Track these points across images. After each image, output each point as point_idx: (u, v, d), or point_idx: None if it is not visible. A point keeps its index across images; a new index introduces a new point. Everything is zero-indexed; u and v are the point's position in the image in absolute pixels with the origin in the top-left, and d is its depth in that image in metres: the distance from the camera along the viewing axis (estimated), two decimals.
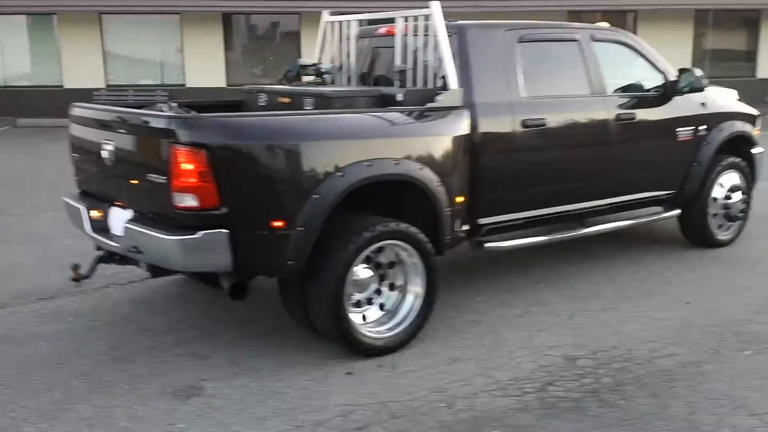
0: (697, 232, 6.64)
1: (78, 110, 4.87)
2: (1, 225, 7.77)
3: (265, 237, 4.05)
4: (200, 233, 3.91)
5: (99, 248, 4.81)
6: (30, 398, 3.94)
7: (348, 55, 5.85)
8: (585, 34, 5.70)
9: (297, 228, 4.06)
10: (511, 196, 5.26)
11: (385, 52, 5.65)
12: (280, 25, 21.36)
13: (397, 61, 5.34)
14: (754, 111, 6.92)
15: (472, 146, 4.94)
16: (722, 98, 6.73)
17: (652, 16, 21.61)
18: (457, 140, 4.83)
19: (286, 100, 5.19)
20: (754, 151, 6.87)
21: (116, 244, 4.42)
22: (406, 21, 5.28)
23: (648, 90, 6.13)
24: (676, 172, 6.26)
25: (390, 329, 4.52)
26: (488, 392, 3.97)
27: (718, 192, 6.54)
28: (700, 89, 6.09)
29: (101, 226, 4.68)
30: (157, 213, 4.18)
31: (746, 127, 6.71)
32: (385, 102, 4.94)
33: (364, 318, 4.51)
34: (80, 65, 20.44)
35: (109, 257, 4.64)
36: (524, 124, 5.19)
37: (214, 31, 20.66)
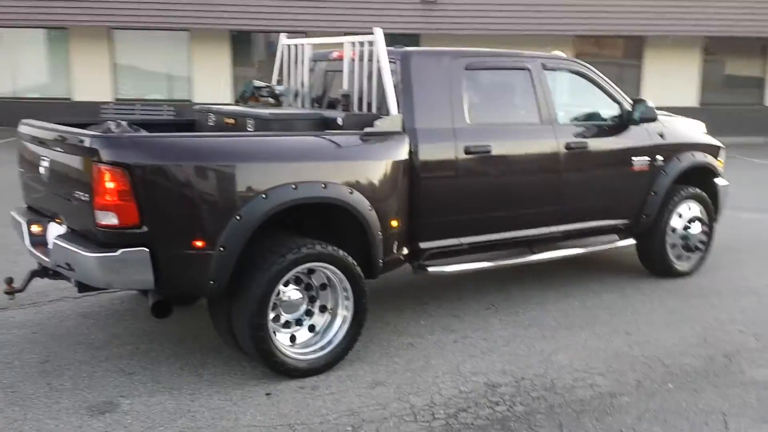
0: (654, 262, 6.62)
1: (23, 127, 4.97)
2: None
3: (186, 256, 4.11)
4: (120, 251, 3.98)
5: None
6: None
7: (303, 78, 5.92)
8: (536, 63, 5.73)
9: (218, 248, 4.12)
10: (454, 221, 5.29)
11: (337, 75, 5.72)
12: None
13: (345, 86, 5.40)
14: (717, 143, 6.90)
15: (411, 171, 4.99)
16: (684, 129, 6.74)
17: (659, 41, 21.58)
18: (395, 165, 4.87)
19: (230, 121, 5.27)
20: (717, 182, 6.84)
21: (47, 259, 4.49)
22: (353, 46, 5.34)
23: (604, 119, 6.15)
24: (631, 201, 6.26)
25: (315, 351, 4.55)
26: (399, 417, 3.99)
27: (676, 222, 6.53)
28: (653, 119, 6.10)
29: (40, 241, 4.75)
30: (84, 230, 4.26)
31: (707, 159, 6.69)
32: (326, 125, 5.00)
33: (293, 339, 4.55)
34: (90, 78, 20.72)
35: (44, 272, 4.71)
36: (467, 151, 5.22)
37: (222, 47, 20.89)
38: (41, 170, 4.61)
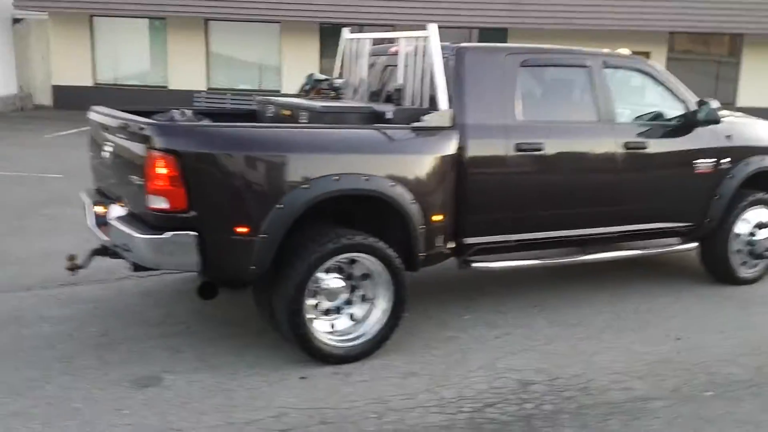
0: (717, 268, 6.44)
1: (93, 114, 5.26)
2: (60, 215, 8.33)
3: (230, 241, 4.28)
4: (169, 234, 4.19)
5: None
6: (8, 374, 4.32)
7: (362, 72, 6.03)
8: (597, 61, 5.65)
9: (260, 235, 4.28)
10: (501, 217, 5.30)
11: (394, 70, 5.79)
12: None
13: (399, 80, 5.48)
14: None
15: (458, 166, 5.02)
16: (756, 131, 6.51)
17: (758, 39, 20.72)
18: (442, 160, 4.92)
19: (287, 112, 5.43)
20: None
21: (107, 239, 4.76)
22: (409, 41, 5.41)
23: (668, 120, 6.01)
24: (693, 204, 6.10)
25: (352, 339, 4.66)
26: (425, 408, 4.06)
27: (742, 228, 6.33)
28: (716, 121, 5.92)
29: (102, 221, 5.03)
30: (140, 213, 4.49)
31: None
32: (377, 119, 5.09)
33: (332, 326, 4.68)
34: (185, 68, 21.47)
35: (104, 250, 4.98)
36: (518, 148, 5.22)
37: (311, 39, 21.27)
38: (106, 155, 4.89)
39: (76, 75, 21.59)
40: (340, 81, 5.97)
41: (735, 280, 6.43)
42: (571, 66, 5.66)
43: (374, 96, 5.99)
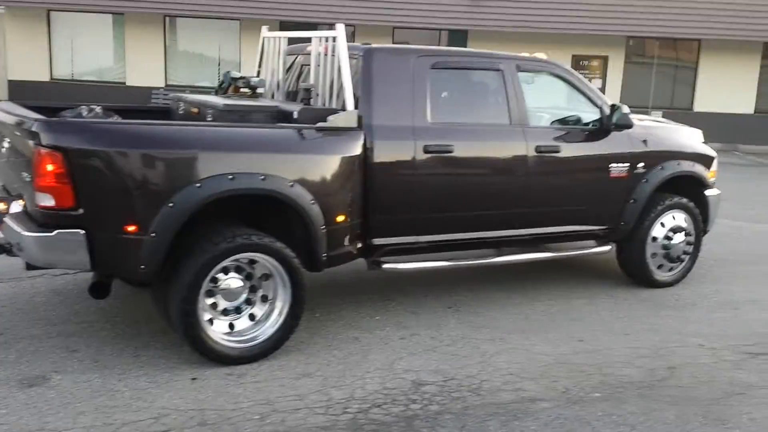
0: (634, 270, 6.51)
1: None
2: None
3: (119, 240, 4.24)
4: (55, 231, 4.14)
5: None
6: None
7: (278, 70, 6.01)
8: (510, 64, 5.68)
9: (149, 234, 4.24)
10: (410, 219, 5.31)
11: (308, 69, 5.78)
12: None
13: (311, 80, 5.47)
14: (710, 153, 6.73)
15: (364, 167, 5.02)
16: (673, 137, 6.59)
17: (717, 45, 20.98)
18: (346, 160, 4.92)
19: (194, 110, 5.39)
20: (706, 192, 6.67)
21: (2, 236, 4.69)
22: (320, 41, 5.40)
23: (583, 124, 6.06)
24: (608, 207, 6.15)
25: (249, 340, 4.64)
26: (311, 409, 4.05)
27: (658, 231, 6.39)
28: (628, 126, 5.99)
29: (2, 219, 4.96)
30: (32, 210, 4.43)
31: (696, 168, 6.52)
32: (284, 118, 5.07)
33: (231, 326, 4.65)
34: (143, 64, 21.28)
35: (3, 248, 4.90)
36: (427, 150, 5.23)
37: None
38: (5, 151, 4.82)
39: (33, 70, 21.32)
40: (256, 79, 5.93)
41: (652, 283, 6.49)
42: (484, 69, 5.68)
43: (291, 95, 5.98)
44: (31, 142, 4.19)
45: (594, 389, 4.46)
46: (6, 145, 4.78)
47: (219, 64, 21.76)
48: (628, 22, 20.13)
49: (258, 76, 6.23)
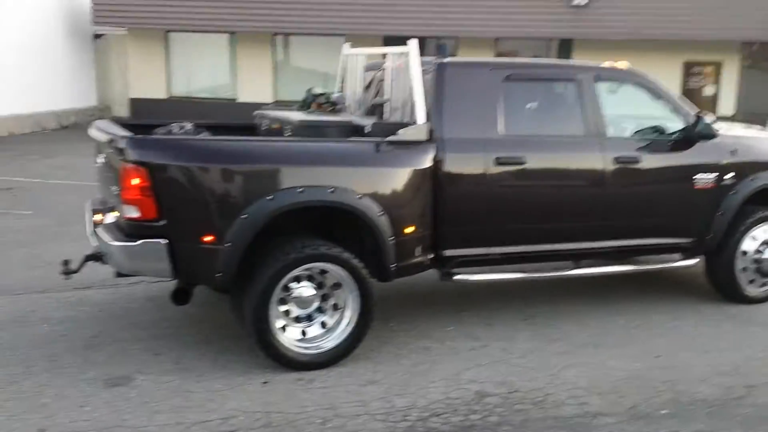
0: (724, 286, 6.29)
1: (91, 129, 5.58)
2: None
3: (198, 249, 4.51)
4: (140, 241, 4.45)
5: None
6: None
7: (357, 86, 6.19)
8: (587, 74, 5.64)
9: (225, 243, 4.48)
10: (482, 230, 5.35)
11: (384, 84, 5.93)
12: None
13: (386, 95, 5.61)
14: None
15: (434, 180, 5.11)
16: (764, 147, 6.32)
17: None
18: (416, 173, 5.02)
19: (276, 125, 5.64)
20: None
21: (96, 245, 5.06)
22: (395, 57, 5.54)
23: (667, 134, 5.93)
24: (694, 220, 5.98)
25: (318, 347, 4.80)
26: (371, 415, 4.17)
27: (749, 245, 6.16)
28: (711, 136, 5.81)
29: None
30: (119, 222, 4.76)
31: None
32: (357, 132, 5.24)
33: (304, 333, 4.83)
34: (254, 81, 22.09)
35: (96, 257, 5.27)
36: (499, 161, 5.27)
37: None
38: (101, 166, 5.20)
39: (152, 88, 22.50)
40: (336, 95, 6.13)
41: (743, 299, 6.26)
42: (559, 80, 5.66)
43: (370, 110, 6.13)
44: (119, 158, 4.51)
45: (663, 406, 4.37)
46: (101, 160, 5.15)
47: (325, 79, 22.28)
48: (742, 26, 19.30)
49: (340, 91, 6.43)
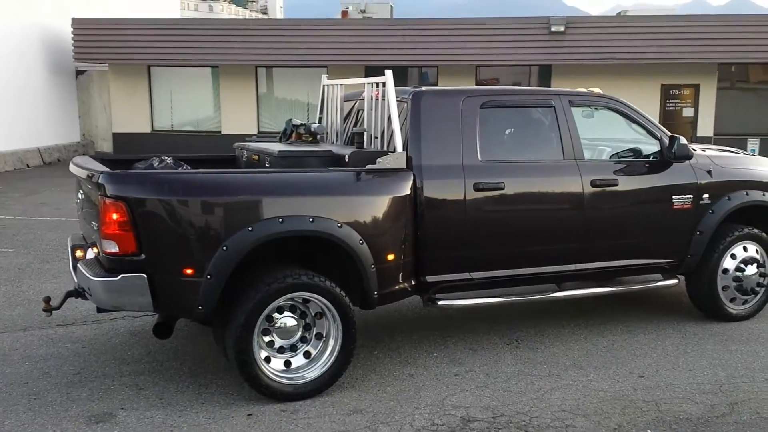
0: (705, 304, 6.34)
1: (71, 166, 5.59)
2: None
3: (178, 282, 4.50)
4: (120, 276, 4.44)
5: None
6: None
7: (336, 116, 6.24)
8: (562, 100, 5.72)
9: (205, 276, 4.48)
10: (463, 256, 5.37)
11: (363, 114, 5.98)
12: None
13: (365, 124, 5.66)
14: None
15: (414, 207, 5.15)
16: (741, 166, 6.41)
17: None
18: (396, 201, 5.06)
19: (255, 157, 5.67)
20: None
21: (77, 281, 5.04)
22: (372, 87, 5.60)
23: (643, 156, 6.01)
24: (673, 240, 6.05)
25: (302, 377, 4.79)
26: None
27: (729, 263, 6.22)
28: (687, 157, 5.89)
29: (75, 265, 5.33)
30: (100, 257, 4.76)
31: (766, 197, 6.32)
32: (336, 162, 5.27)
33: (287, 364, 4.82)
34: (236, 113, 22.18)
35: (79, 292, 5.26)
36: (477, 187, 5.31)
37: None
38: (80, 202, 5.20)
39: (135, 122, 22.55)
40: (315, 126, 6.18)
41: (726, 317, 6.31)
42: (535, 106, 5.73)
43: (350, 140, 6.18)
44: (98, 193, 4.52)
45: (647, 425, 4.38)
46: (81, 196, 5.16)
47: (308, 110, 22.41)
48: (718, 49, 19.62)
49: (319, 122, 6.48)
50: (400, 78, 20.99)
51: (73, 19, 21.07)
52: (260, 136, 21.35)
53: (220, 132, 22.32)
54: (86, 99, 23.10)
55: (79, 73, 22.88)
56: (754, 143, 20.08)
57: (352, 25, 22.34)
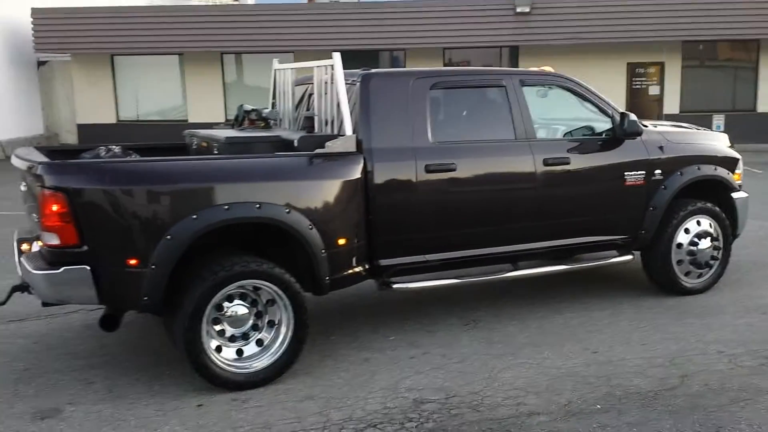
0: (661, 278, 6.38)
1: (13, 158, 5.47)
2: None
3: (122, 274, 4.43)
4: (62, 269, 4.35)
5: None
6: None
7: (288, 101, 6.18)
8: (513, 79, 5.68)
9: (150, 266, 4.41)
10: (417, 238, 5.35)
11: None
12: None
13: (315, 108, 5.60)
14: (733, 155, 6.56)
15: (365, 190, 5.11)
16: (693, 142, 6.44)
17: None
18: (346, 184, 5.01)
19: (204, 144, 5.59)
20: (734, 196, 6.50)
21: (21, 275, 4.95)
22: (321, 70, 5.53)
23: (596, 134, 6.01)
24: (626, 216, 6.07)
25: (254, 366, 4.74)
26: (306, 431, 4.12)
27: (683, 238, 6.26)
28: (637, 133, 5.90)
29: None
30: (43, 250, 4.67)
31: (718, 172, 6.36)
32: (286, 147, 5.21)
33: (240, 353, 4.77)
34: (203, 101, 21.95)
35: (24, 287, 5.16)
36: (428, 169, 5.28)
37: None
38: (23, 195, 5.10)
39: (100, 113, 22.26)
40: (267, 111, 6.10)
41: (681, 291, 6.36)
42: (486, 86, 5.70)
43: (301, 123, 6.11)
44: (37, 185, 4.42)
45: (597, 401, 4.39)
46: (23, 188, 5.06)
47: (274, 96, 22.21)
48: (682, 27, 19.72)
49: (272, 107, 6.40)
50: (372, 63, 20.85)
51: (33, 9, 20.72)
52: (227, 124, 21.28)
53: (187, 121, 22.09)
54: (49, 90, 22.75)
55: (40, 63, 22.52)
56: (719, 119, 20.23)
57: (319, 9, 22.13)
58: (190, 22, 21.14)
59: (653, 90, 20.78)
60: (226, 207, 4.56)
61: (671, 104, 20.78)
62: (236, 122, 6.33)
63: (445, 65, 20.62)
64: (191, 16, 21.63)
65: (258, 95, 22.13)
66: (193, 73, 22.22)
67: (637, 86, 21.04)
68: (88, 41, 21.27)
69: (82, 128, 22.33)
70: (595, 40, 19.77)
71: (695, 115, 19.05)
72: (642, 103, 20.54)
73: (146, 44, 21.21)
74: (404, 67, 21.15)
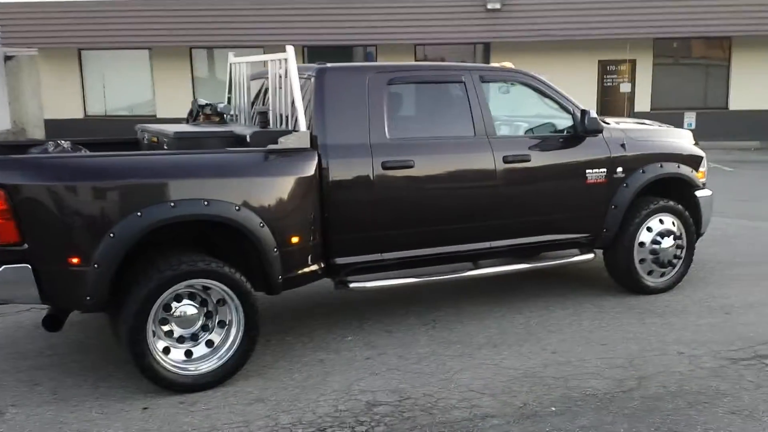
0: (623, 278, 6.32)
1: None
2: None
3: (64, 272, 4.27)
4: (2, 268, 4.19)
5: None
6: None
7: (244, 96, 6.04)
8: (473, 75, 5.59)
9: (92, 265, 4.26)
10: (373, 236, 5.24)
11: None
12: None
13: (269, 103, 5.46)
14: (698, 153, 6.52)
15: (319, 187, 4.98)
16: (655, 139, 6.39)
17: (748, 41, 20.45)
18: (299, 181, 4.88)
19: (154, 139, 5.43)
20: (697, 194, 6.45)
21: None
22: (274, 64, 5.40)
23: (557, 131, 5.94)
24: (588, 215, 5.99)
25: (203, 367, 4.60)
26: None
27: (645, 236, 6.20)
28: (598, 131, 5.82)
29: None
30: None
31: (681, 170, 6.31)
32: (239, 143, 5.08)
33: (189, 354, 4.63)
34: (172, 96, 21.67)
35: None
36: (385, 166, 5.17)
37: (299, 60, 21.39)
38: None
39: (67, 108, 21.94)
40: (222, 106, 5.96)
41: (644, 290, 6.30)
42: (444, 82, 5.60)
43: (256, 118, 5.97)
44: None
45: (553, 403, 4.31)
46: None
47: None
48: (654, 24, 19.79)
49: (228, 102, 6.26)
50: (346, 59, 20.74)
51: None
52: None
53: (155, 116, 21.81)
54: (16, 85, 22.34)
55: (7, 58, 22.08)
56: (690, 117, 20.33)
57: (290, 4, 21.92)
58: (158, 16, 20.86)
59: (624, 87, 20.83)
60: (172, 204, 4.42)
61: (642, 102, 20.86)
62: (190, 117, 6.17)
63: (417, 62, 20.53)
64: (160, 10, 21.32)
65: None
66: (161, 68, 21.97)
67: (609, 84, 21.09)
68: (55, 35, 20.95)
69: (49, 123, 21.98)
70: (567, 37, 19.78)
71: (667, 112, 19.15)
72: (613, 100, 20.60)
73: (114, 39, 20.93)
74: (376, 62, 21.03)
